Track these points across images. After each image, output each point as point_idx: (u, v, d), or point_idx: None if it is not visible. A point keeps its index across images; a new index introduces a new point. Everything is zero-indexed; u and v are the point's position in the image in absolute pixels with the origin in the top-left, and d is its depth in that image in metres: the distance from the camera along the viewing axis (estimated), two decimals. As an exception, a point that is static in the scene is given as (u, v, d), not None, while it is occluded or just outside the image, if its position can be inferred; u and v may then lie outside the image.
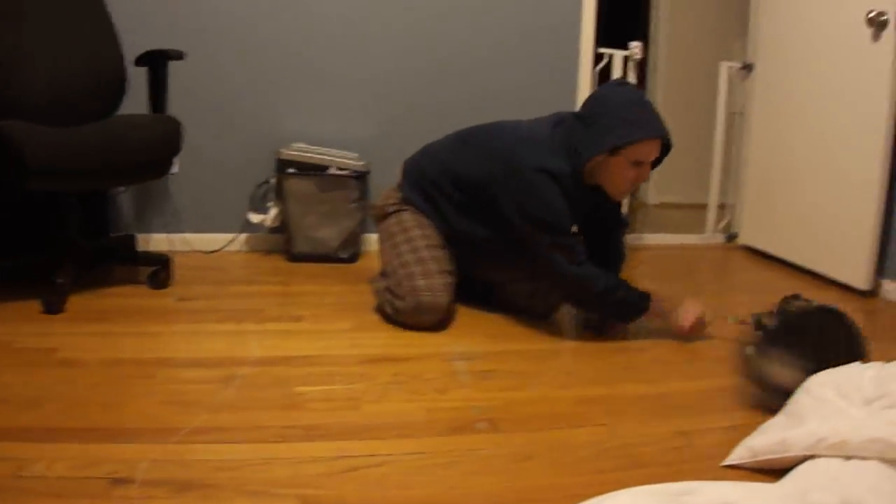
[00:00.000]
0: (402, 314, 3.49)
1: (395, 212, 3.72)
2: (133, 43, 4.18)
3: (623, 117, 3.23)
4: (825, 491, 1.91)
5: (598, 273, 3.36)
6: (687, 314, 3.43)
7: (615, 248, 3.78)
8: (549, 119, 3.49)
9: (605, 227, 3.75)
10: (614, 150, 3.24)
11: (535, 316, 3.72)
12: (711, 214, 5.64)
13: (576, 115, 3.39)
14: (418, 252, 3.56)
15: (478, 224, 3.58)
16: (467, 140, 3.65)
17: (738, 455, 2.35)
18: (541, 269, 3.47)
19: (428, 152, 3.77)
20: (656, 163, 3.44)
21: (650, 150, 3.27)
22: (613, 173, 3.31)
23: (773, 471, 2.24)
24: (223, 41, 4.66)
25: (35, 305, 3.55)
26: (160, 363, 2.99)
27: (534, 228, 3.34)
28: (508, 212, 3.40)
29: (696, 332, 3.44)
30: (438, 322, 3.52)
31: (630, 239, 5.31)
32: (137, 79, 4.15)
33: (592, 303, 3.42)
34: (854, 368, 2.45)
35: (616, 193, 3.41)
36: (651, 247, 5.43)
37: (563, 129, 3.39)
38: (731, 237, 5.60)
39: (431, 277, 3.48)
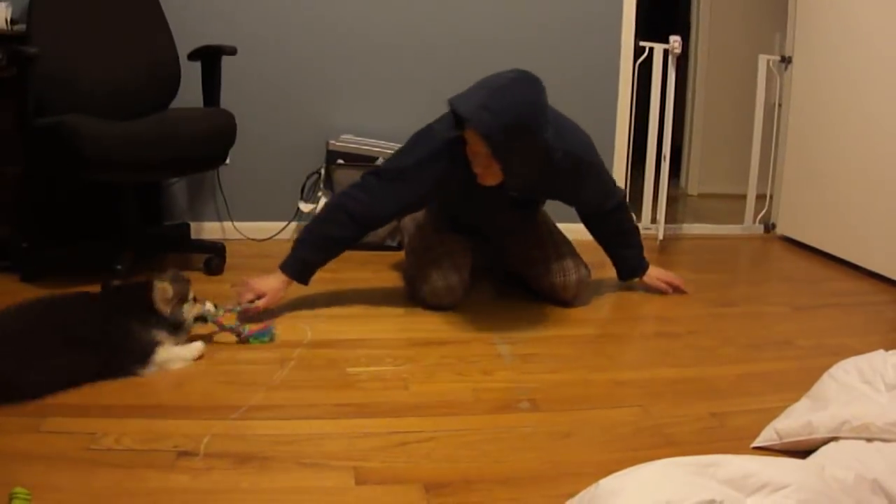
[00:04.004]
0: (422, 300, 3.66)
1: None
2: (186, 38, 4.32)
3: (470, 90, 3.15)
4: (843, 468, 2.00)
5: (333, 231, 3.43)
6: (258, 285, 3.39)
7: (615, 231, 3.93)
8: None
9: (594, 216, 3.90)
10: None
11: (560, 303, 3.81)
12: (750, 205, 5.67)
13: None
14: (427, 239, 3.77)
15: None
16: None
17: (766, 437, 2.43)
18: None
19: None
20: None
21: (471, 135, 3.12)
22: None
23: (800, 452, 2.32)
24: (274, 36, 4.77)
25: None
26: (217, 346, 3.12)
27: (390, 159, 3.56)
28: None
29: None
30: (457, 301, 3.66)
31: (670, 229, 5.36)
32: (191, 73, 4.27)
33: (305, 229, 3.52)
34: (878, 356, 2.52)
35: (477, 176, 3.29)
36: (690, 237, 5.47)
37: None
38: (770, 228, 5.64)
39: (443, 260, 3.63)
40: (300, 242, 3.43)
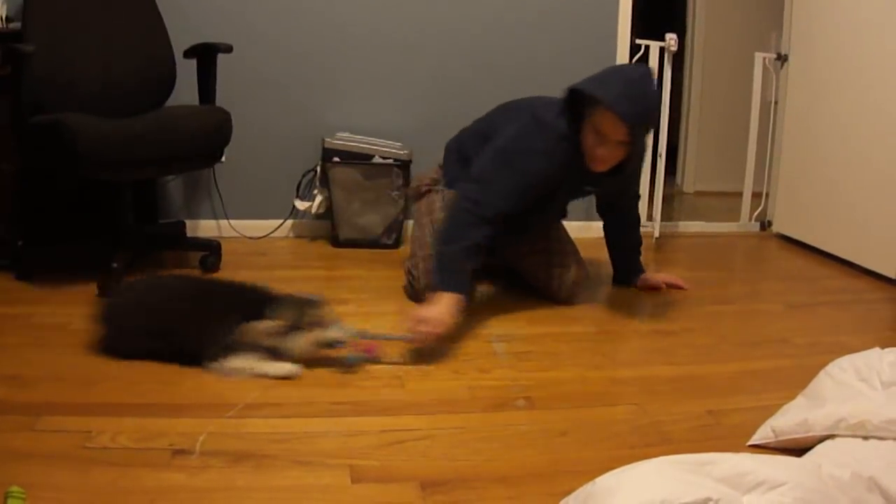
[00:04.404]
0: (418, 294, 3.65)
1: (426, 192, 3.92)
2: (182, 36, 4.31)
3: (604, 78, 3.27)
4: (839, 465, 2.00)
5: (471, 234, 3.26)
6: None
7: (630, 226, 4.04)
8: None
9: (618, 207, 3.98)
10: (586, 110, 3.27)
11: (556, 301, 3.82)
12: (746, 203, 5.68)
13: None
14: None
15: None
16: (498, 110, 3.83)
17: (762, 435, 2.44)
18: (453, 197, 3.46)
19: (466, 129, 3.97)
20: (630, 164, 3.46)
21: (609, 122, 3.17)
22: (584, 138, 3.30)
23: (796, 450, 2.32)
24: (270, 34, 4.76)
25: (91, 289, 3.68)
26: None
27: (492, 155, 3.44)
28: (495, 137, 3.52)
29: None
30: None
31: (665, 227, 5.37)
32: (186, 71, 4.27)
33: (439, 247, 3.35)
34: (874, 353, 2.52)
35: (589, 161, 3.33)
36: (687, 234, 5.48)
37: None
38: (766, 225, 5.65)
39: None
40: (448, 258, 3.26)
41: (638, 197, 4.09)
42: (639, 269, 4.08)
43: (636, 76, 3.23)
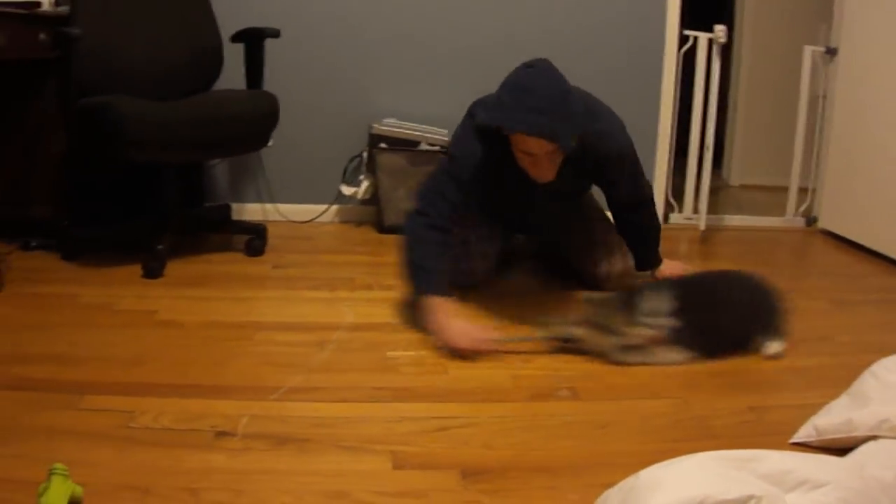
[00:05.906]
0: None
1: None
2: (229, 20, 4.35)
3: (501, 99, 3.05)
4: (883, 467, 1.99)
5: (423, 241, 3.19)
6: (453, 335, 3.00)
7: (636, 226, 3.83)
8: None
9: (620, 207, 3.81)
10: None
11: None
12: (792, 198, 5.63)
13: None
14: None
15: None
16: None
17: (805, 433, 2.42)
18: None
19: None
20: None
21: (523, 141, 3.03)
22: (517, 159, 3.18)
23: (837, 450, 2.30)
24: (318, 18, 4.78)
25: (136, 270, 3.73)
26: (257, 326, 3.15)
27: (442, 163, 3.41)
28: None
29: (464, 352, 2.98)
30: (472, 285, 3.66)
31: (711, 220, 5.33)
32: (234, 55, 4.29)
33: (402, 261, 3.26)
34: (921, 354, 2.51)
35: (533, 177, 3.19)
36: (731, 228, 5.43)
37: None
38: (811, 221, 5.60)
39: (469, 245, 3.64)
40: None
41: (644, 192, 3.81)
42: (651, 264, 3.94)
43: (524, 82, 2.99)
